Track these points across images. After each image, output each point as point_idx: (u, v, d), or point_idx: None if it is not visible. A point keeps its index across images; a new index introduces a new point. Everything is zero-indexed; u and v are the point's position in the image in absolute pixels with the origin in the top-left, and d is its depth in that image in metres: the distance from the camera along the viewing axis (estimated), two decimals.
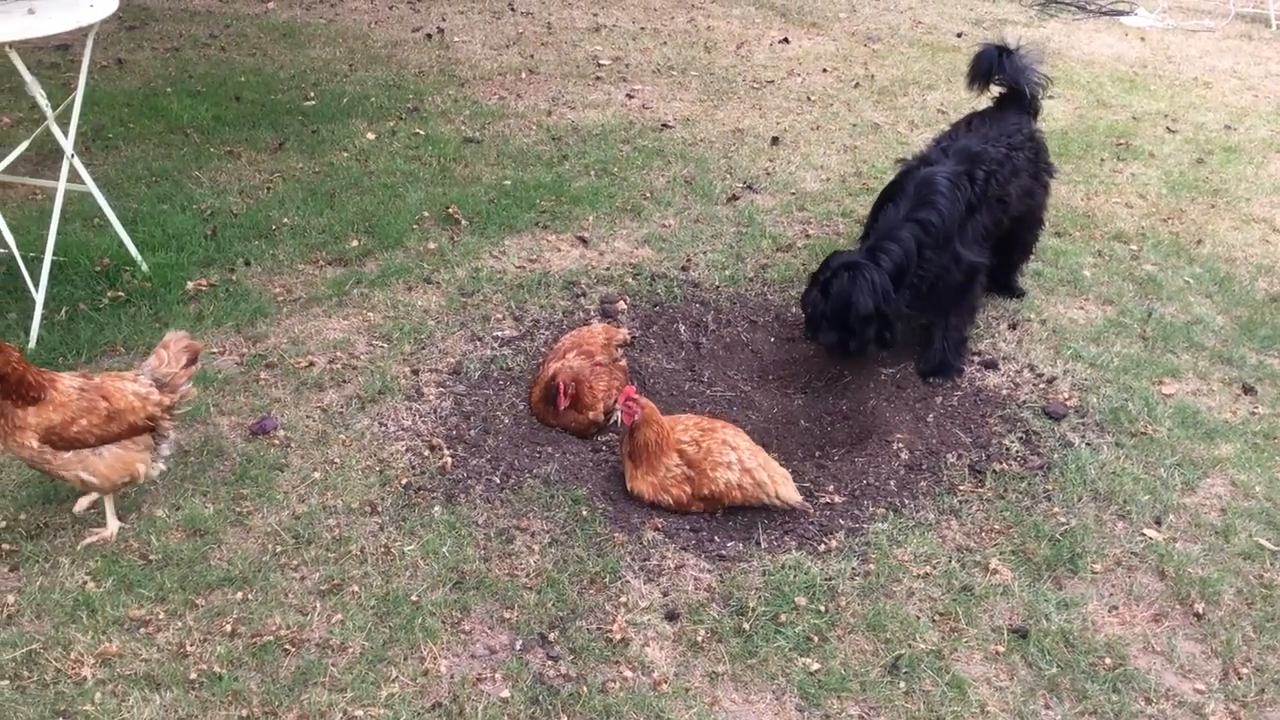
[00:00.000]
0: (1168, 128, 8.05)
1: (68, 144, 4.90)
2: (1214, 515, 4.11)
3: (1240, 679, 3.41)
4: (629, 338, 4.77)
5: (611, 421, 4.48)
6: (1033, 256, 5.61)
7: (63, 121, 4.93)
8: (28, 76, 4.60)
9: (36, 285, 4.70)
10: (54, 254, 4.85)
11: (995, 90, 5.48)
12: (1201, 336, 5.25)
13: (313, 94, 7.82)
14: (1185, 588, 3.74)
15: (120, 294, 5.04)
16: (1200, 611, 3.64)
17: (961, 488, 4.16)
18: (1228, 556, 3.90)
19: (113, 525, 3.71)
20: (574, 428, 4.40)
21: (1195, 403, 4.74)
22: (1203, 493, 4.23)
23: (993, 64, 5.34)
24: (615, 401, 4.44)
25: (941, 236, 4.65)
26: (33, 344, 4.60)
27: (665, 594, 3.61)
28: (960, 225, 4.71)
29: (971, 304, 4.94)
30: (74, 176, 4.98)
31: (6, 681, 3.17)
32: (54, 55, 8.21)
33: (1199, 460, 4.39)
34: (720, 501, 3.96)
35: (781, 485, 3.94)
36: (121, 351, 4.68)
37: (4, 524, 3.70)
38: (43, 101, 4.77)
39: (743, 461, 3.91)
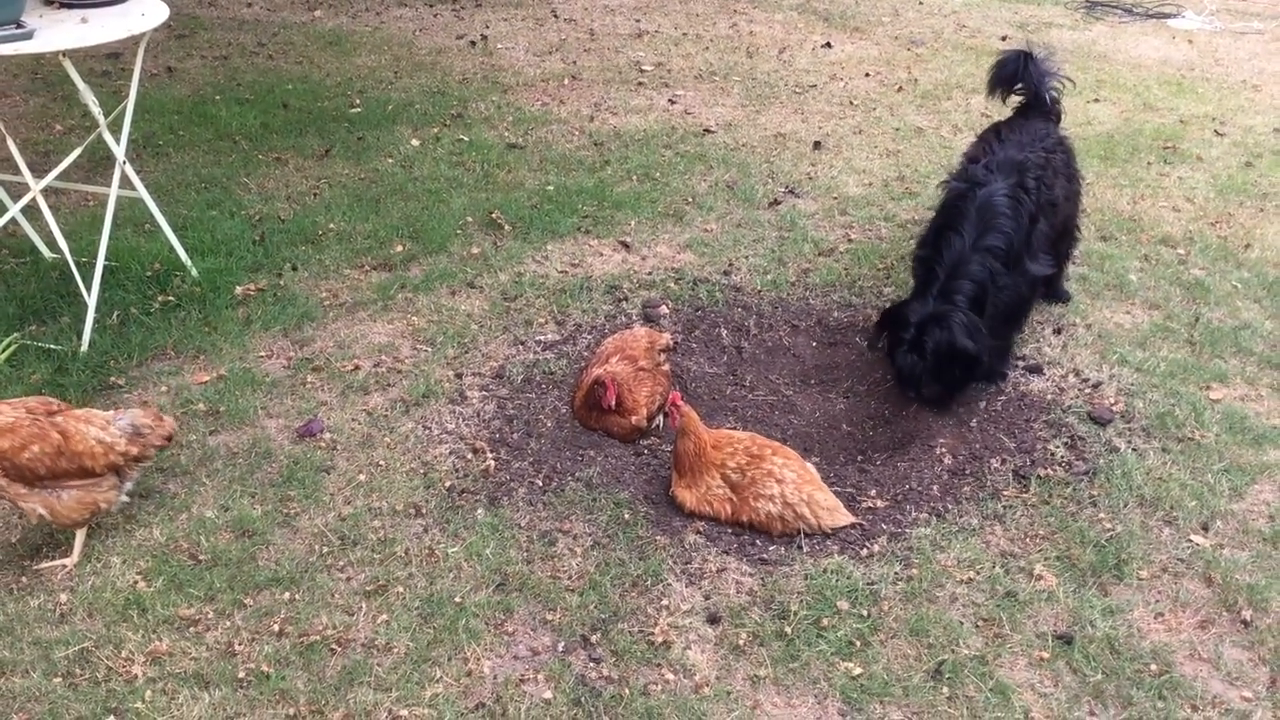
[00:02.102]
0: (1215, 131, 7.96)
1: (120, 151, 4.98)
2: (1262, 522, 4.06)
3: None
4: (671, 342, 4.78)
5: (654, 426, 4.50)
6: (1074, 261, 5.57)
7: (114, 129, 5.01)
8: (81, 84, 4.68)
9: (89, 289, 4.78)
10: (106, 259, 4.93)
11: (1014, 100, 5.49)
12: (1250, 341, 5.19)
13: (358, 101, 7.90)
14: (1232, 594, 3.70)
15: (170, 298, 5.12)
16: (1248, 618, 3.60)
17: (1005, 493, 4.14)
18: (1276, 563, 3.85)
19: (75, 557, 3.66)
20: (616, 432, 4.41)
21: (1243, 408, 4.69)
22: (1251, 499, 4.18)
23: (1016, 69, 5.33)
24: (659, 407, 4.46)
25: (1012, 258, 4.60)
26: (85, 347, 4.68)
27: (707, 597, 3.62)
28: (1026, 240, 4.67)
29: (1028, 314, 4.92)
30: (125, 183, 5.07)
31: (59, 679, 3.23)
32: (105, 63, 8.35)
33: (1247, 466, 4.34)
34: (759, 530, 3.95)
35: (826, 517, 3.90)
36: (172, 355, 4.75)
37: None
38: (95, 109, 4.85)
39: (785, 496, 3.87)
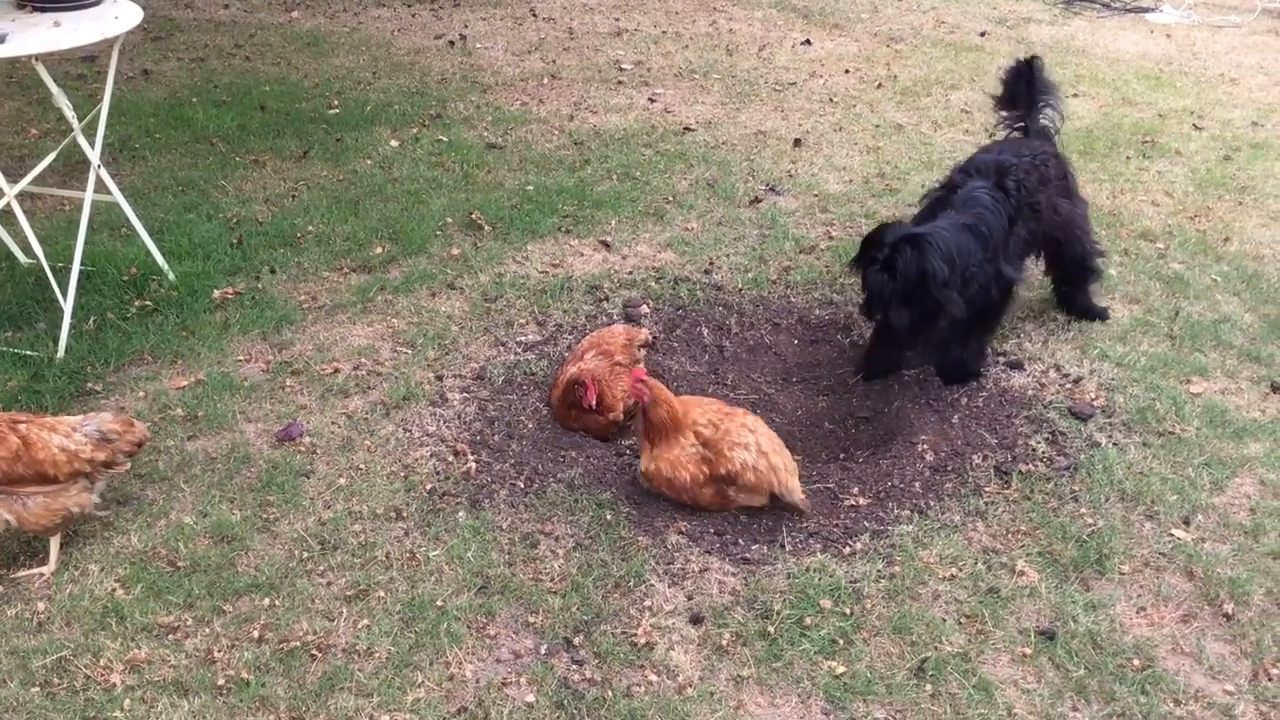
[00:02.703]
0: (1194, 125, 7.98)
1: (94, 155, 4.94)
2: (1243, 515, 4.07)
3: (1270, 680, 3.37)
4: (650, 338, 4.77)
5: (631, 421, 4.49)
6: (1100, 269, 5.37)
7: (89, 132, 4.97)
8: (54, 88, 4.64)
9: (65, 295, 4.74)
10: (82, 264, 4.88)
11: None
12: (1229, 335, 5.20)
13: (337, 102, 7.86)
14: (1214, 588, 3.70)
15: (148, 303, 5.09)
16: (1229, 612, 3.61)
17: (987, 489, 4.14)
18: (1257, 556, 3.86)
19: (53, 565, 3.63)
20: (595, 429, 4.40)
21: (1223, 401, 4.70)
22: (1231, 492, 4.19)
23: (1023, 81, 5.20)
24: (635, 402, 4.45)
25: (991, 248, 4.53)
26: (61, 353, 4.64)
27: (690, 597, 3.61)
28: (1004, 241, 4.60)
29: (1000, 319, 4.87)
30: (101, 187, 5.03)
31: (37, 688, 3.21)
32: (80, 66, 8.29)
33: (1227, 459, 4.35)
34: (733, 482, 3.90)
35: (790, 477, 3.91)
36: (149, 360, 4.72)
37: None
38: (69, 113, 4.81)
39: (759, 444, 3.89)
